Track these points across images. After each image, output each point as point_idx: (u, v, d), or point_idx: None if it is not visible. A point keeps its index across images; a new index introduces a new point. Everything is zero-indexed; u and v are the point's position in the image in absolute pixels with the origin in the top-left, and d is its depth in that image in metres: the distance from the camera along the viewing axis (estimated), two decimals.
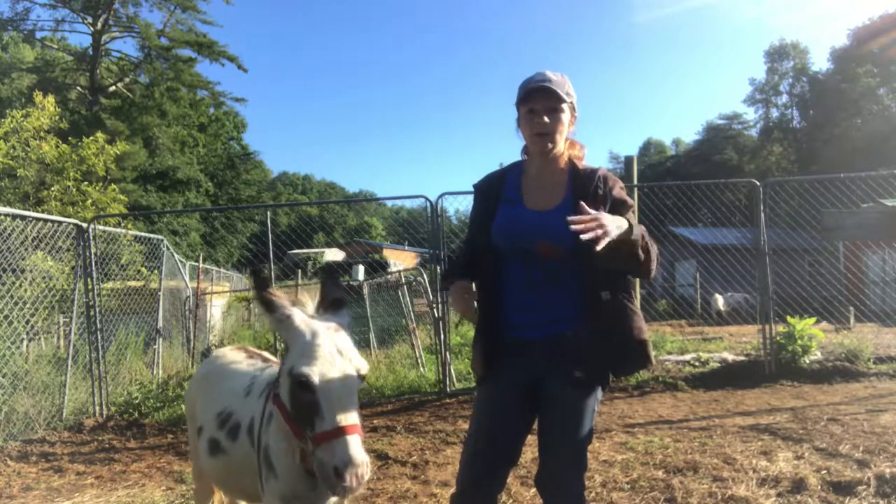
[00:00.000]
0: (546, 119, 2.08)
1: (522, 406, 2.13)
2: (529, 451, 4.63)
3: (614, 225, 1.82)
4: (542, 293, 2.12)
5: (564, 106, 2.09)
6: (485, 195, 2.26)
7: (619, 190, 2.14)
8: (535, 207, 2.14)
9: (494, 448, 2.11)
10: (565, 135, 2.14)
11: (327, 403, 1.66)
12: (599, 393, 2.14)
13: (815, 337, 7.46)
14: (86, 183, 12.11)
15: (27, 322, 6.65)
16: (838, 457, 4.12)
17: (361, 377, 1.75)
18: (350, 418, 1.64)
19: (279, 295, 1.86)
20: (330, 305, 1.90)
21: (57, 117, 13.03)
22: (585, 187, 2.09)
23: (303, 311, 1.85)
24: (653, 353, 2.24)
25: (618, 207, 2.09)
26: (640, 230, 1.96)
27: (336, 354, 1.72)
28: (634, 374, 7.33)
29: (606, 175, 2.14)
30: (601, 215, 1.82)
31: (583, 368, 2.06)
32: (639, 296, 7.90)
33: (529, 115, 2.11)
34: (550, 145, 2.11)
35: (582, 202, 1.87)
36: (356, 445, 1.60)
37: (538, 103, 2.08)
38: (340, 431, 1.61)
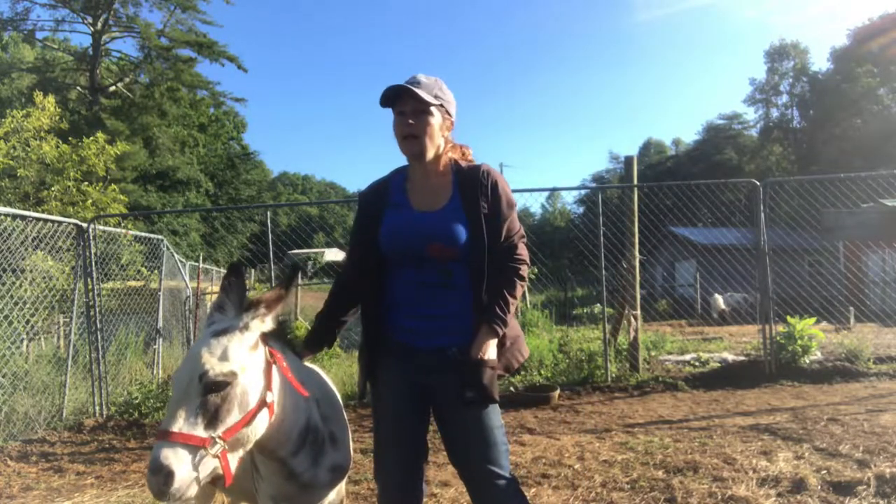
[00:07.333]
0: (412, 121, 2.03)
1: (415, 406, 2.14)
2: (530, 452, 4.64)
3: (493, 346, 2.01)
4: (433, 297, 2.06)
5: (434, 109, 2.02)
6: (370, 204, 2.17)
7: (503, 186, 2.11)
8: (423, 209, 2.09)
9: (399, 451, 2.14)
10: (438, 137, 2.07)
11: None
12: (497, 407, 2.09)
13: (815, 337, 7.45)
14: (86, 183, 12.13)
15: (27, 322, 6.65)
16: (838, 457, 4.12)
17: (206, 381, 1.58)
18: (167, 423, 1.54)
19: (222, 299, 1.80)
20: (243, 306, 1.79)
21: (57, 117, 13.05)
22: (472, 184, 2.07)
23: (221, 314, 1.77)
24: (493, 386, 1.99)
25: (501, 207, 2.08)
26: (500, 328, 2.03)
27: (188, 357, 1.66)
28: (633, 375, 7.32)
29: (489, 170, 2.11)
30: (488, 352, 1.98)
31: (473, 389, 1.99)
32: (638, 296, 7.88)
33: (399, 118, 2.06)
34: (420, 148, 2.04)
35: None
36: (156, 452, 1.50)
37: (406, 105, 2.02)
38: (157, 436, 1.56)
